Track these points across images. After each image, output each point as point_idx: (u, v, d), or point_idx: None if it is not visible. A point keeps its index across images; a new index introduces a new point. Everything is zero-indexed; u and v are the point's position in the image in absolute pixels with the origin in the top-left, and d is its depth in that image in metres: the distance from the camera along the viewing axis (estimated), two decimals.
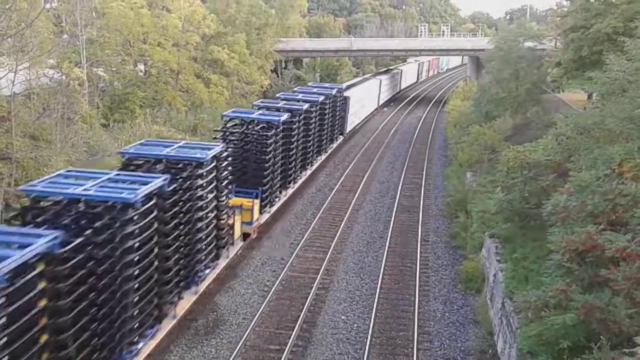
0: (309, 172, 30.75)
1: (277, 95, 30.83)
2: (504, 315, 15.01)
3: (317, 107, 30.26)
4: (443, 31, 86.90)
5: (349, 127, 43.12)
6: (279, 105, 26.76)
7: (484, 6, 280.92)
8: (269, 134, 22.45)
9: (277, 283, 19.35)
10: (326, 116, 33.40)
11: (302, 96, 30.68)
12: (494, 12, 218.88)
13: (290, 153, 25.78)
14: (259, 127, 23.14)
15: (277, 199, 24.62)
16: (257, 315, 17.09)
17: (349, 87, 44.56)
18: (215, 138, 23.05)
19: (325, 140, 34.40)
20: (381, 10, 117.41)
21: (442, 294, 19.32)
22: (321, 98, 31.16)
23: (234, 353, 15.14)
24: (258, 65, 52.66)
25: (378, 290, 19.08)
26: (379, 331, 16.77)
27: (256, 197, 21.36)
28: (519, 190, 16.67)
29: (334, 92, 34.95)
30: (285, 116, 24.21)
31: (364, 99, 49.49)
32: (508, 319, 14.43)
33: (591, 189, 11.36)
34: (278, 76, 59.93)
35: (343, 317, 17.51)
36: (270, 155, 22.40)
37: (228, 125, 23.27)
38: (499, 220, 18.71)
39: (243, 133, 22.61)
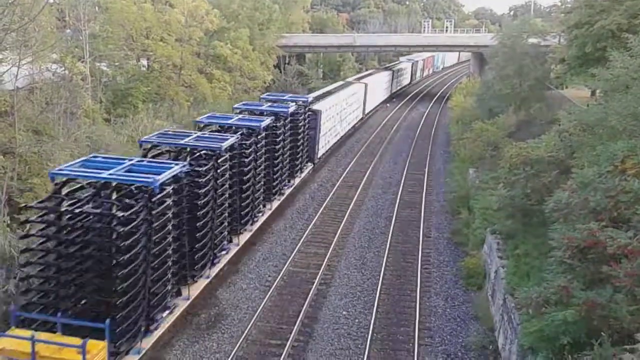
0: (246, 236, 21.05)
1: (200, 119, 21.90)
2: (505, 312, 15.02)
3: (257, 138, 20.99)
4: (446, 27, 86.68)
5: (321, 151, 33.42)
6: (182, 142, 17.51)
7: (488, 2, 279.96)
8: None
9: (278, 278, 19.40)
10: (279, 145, 24.29)
11: (238, 121, 21.56)
12: (497, 8, 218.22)
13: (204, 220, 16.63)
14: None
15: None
16: (258, 310, 17.14)
17: (319, 98, 35.10)
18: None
19: (278, 181, 25.00)
20: (384, 6, 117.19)
21: (444, 290, 19.34)
22: (265, 123, 21.71)
23: (236, 347, 15.20)
24: (261, 61, 52.59)
25: (379, 286, 19.11)
26: (380, 326, 16.81)
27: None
28: (521, 186, 16.65)
29: (290, 108, 25.71)
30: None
31: (343, 111, 39.90)
32: (509, 315, 14.45)
33: (593, 186, 11.34)
34: (281, 72, 59.84)
35: (344, 313, 17.55)
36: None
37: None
38: (501, 217, 18.70)
39: None
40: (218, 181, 17.38)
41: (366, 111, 50.69)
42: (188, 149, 17.19)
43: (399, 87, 70.46)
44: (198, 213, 16.11)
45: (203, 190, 16.23)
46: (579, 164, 13.57)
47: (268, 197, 23.91)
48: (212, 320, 16.66)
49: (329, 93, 38.64)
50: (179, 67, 42.64)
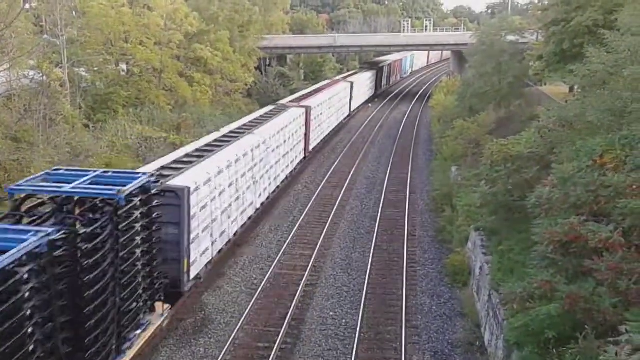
0: None
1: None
2: (491, 308, 15.15)
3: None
4: (426, 26, 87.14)
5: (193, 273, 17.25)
6: None
7: (466, 0, 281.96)
8: None
9: (264, 281, 19.34)
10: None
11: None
12: (476, 6, 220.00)
13: None
14: None
15: None
16: (245, 314, 17.08)
17: (196, 160, 19.20)
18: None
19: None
20: (364, 6, 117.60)
21: (430, 288, 19.45)
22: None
23: (223, 352, 15.13)
24: (242, 63, 52.41)
25: (366, 286, 19.15)
26: (367, 326, 16.84)
27: None
28: (503, 183, 16.79)
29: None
30: None
31: (277, 149, 26.74)
32: (494, 311, 14.57)
33: (573, 181, 11.47)
34: (262, 73, 59.73)
35: (331, 313, 17.57)
36: None
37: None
38: (484, 214, 18.86)
39: None
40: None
41: (309, 149, 35.29)
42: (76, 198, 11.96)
43: (358, 104, 55.66)
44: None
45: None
46: (559, 159, 13.71)
47: None
48: (198, 325, 16.56)
49: (224, 143, 22.09)
50: (159, 70, 42.31)
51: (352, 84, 50.50)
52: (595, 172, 11.40)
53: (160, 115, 38.15)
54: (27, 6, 40.39)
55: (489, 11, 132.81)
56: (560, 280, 10.65)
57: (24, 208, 11.96)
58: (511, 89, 33.43)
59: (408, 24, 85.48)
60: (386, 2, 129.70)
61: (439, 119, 44.98)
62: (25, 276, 9.40)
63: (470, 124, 31.91)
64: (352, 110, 52.13)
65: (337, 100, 43.97)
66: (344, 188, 30.36)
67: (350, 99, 50.42)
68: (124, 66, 42.65)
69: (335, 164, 35.98)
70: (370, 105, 61.47)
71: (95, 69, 37.45)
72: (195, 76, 46.08)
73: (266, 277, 19.58)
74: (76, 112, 31.43)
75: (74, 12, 40.95)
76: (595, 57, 15.52)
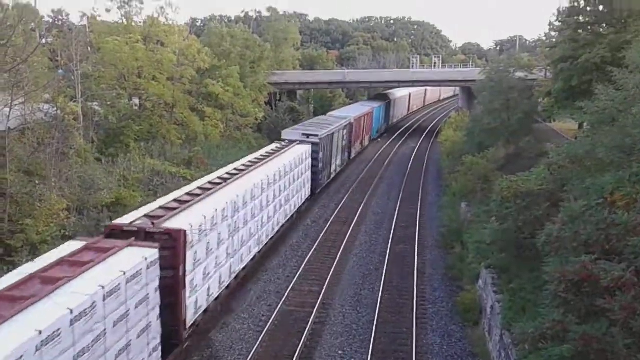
0: None
1: None
2: (503, 348, 14.87)
3: None
4: (435, 62, 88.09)
5: None
6: None
7: (474, 37, 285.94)
8: None
9: (272, 317, 19.14)
10: None
11: None
12: (484, 43, 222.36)
13: None
14: None
15: None
16: (252, 351, 16.86)
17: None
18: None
19: None
20: (373, 43, 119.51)
21: (440, 327, 19.15)
22: None
23: None
24: (252, 98, 53.05)
25: (375, 324, 18.89)
26: None
27: None
28: (513, 220, 16.65)
29: None
30: None
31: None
32: (507, 351, 14.30)
33: (583, 219, 11.37)
34: (272, 108, 60.35)
35: (340, 352, 17.30)
36: None
37: None
38: (494, 251, 18.64)
39: None
40: None
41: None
42: None
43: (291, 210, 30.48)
44: None
45: None
46: (569, 196, 13.63)
47: None
48: None
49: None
50: (171, 105, 42.91)
51: (313, 145, 32.37)
52: (605, 210, 11.31)
53: (171, 149, 38.53)
54: (44, 41, 41.38)
55: (497, 48, 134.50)
56: (572, 320, 10.46)
57: None
58: (520, 125, 33.51)
59: (417, 60, 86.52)
60: (395, 39, 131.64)
61: (448, 154, 45.01)
62: None
63: (479, 160, 31.90)
64: (317, 190, 34.11)
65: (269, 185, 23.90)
66: None
67: (314, 176, 33.00)
68: (136, 100, 43.31)
69: None
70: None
71: (109, 103, 38.02)
72: (206, 110, 46.67)
73: (274, 314, 19.37)
74: (89, 145, 31.79)
75: (89, 48, 41.85)
76: (604, 95, 15.56)
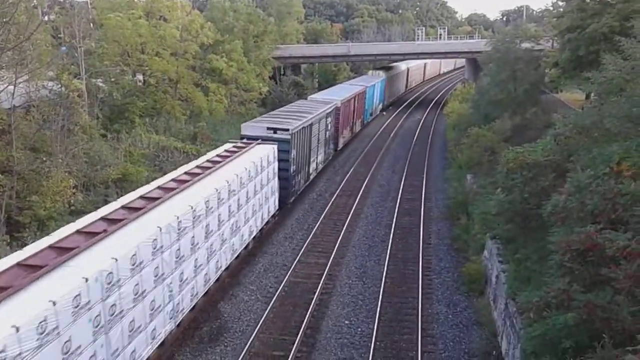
0: None
1: None
2: (508, 316, 15.03)
3: None
4: (440, 34, 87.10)
5: None
6: None
7: (480, 8, 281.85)
8: None
9: (279, 289, 19.39)
10: None
11: None
12: (490, 13, 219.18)
13: None
14: None
15: None
16: (260, 322, 17.12)
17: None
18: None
19: None
20: (378, 15, 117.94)
21: (445, 297, 19.35)
22: None
23: None
24: (256, 73, 52.77)
25: (381, 294, 19.10)
26: (382, 335, 16.79)
27: None
28: (519, 191, 16.65)
29: None
30: None
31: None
32: (511, 320, 14.46)
33: (590, 189, 11.37)
34: (277, 83, 60.05)
35: (347, 322, 17.54)
36: None
37: None
38: (500, 222, 18.67)
39: None
40: None
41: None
42: None
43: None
44: None
45: None
46: (576, 167, 13.60)
47: None
48: (214, 333, 16.64)
49: None
50: (175, 81, 42.77)
51: (281, 143, 24.90)
52: (611, 180, 11.30)
53: (176, 125, 38.53)
54: (46, 18, 41.14)
55: (504, 18, 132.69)
56: (577, 289, 10.54)
57: None
58: (527, 96, 33.26)
59: (422, 32, 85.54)
60: (400, 11, 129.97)
61: (454, 126, 44.83)
62: None
63: (485, 132, 31.76)
64: (289, 201, 27.41)
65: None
66: None
67: (284, 184, 25.84)
68: (140, 77, 43.17)
69: None
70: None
71: (113, 79, 37.93)
72: (210, 86, 46.50)
73: (281, 285, 19.62)
74: (93, 122, 31.83)
75: (91, 24, 41.57)
76: (612, 64, 15.41)
